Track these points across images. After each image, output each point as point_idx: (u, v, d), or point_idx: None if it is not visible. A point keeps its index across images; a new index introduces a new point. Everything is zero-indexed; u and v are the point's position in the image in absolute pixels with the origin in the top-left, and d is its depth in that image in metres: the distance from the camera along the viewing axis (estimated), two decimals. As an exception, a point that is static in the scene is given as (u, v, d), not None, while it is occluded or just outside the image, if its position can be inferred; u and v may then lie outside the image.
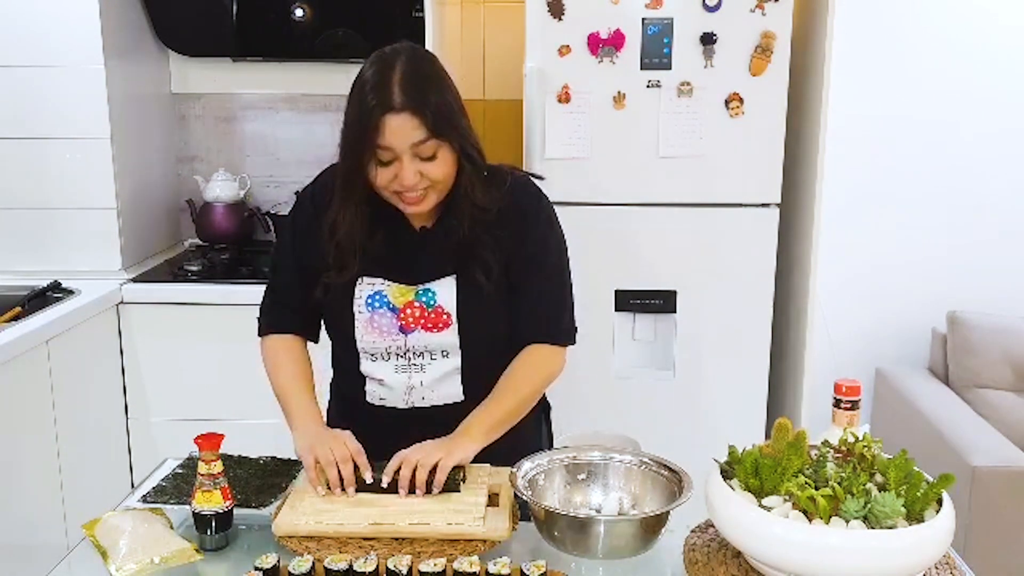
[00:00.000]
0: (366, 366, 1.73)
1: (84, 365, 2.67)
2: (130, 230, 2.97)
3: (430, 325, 1.68)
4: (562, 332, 1.77)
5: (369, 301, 1.69)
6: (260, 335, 1.81)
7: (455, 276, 1.68)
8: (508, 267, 1.70)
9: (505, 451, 1.64)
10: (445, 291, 1.68)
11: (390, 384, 1.72)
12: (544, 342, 1.74)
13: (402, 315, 1.68)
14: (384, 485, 1.54)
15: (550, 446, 1.94)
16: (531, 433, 1.86)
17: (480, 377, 1.72)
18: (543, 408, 1.93)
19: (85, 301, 2.66)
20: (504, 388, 1.69)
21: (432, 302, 1.68)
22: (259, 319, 1.82)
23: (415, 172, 1.57)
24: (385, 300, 1.68)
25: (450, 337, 1.68)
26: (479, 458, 1.63)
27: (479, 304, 1.68)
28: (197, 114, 3.34)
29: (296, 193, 1.86)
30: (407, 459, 1.55)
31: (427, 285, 1.68)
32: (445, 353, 1.70)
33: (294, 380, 1.73)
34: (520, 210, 1.71)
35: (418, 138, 1.55)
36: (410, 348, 1.69)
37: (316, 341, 1.83)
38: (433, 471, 1.54)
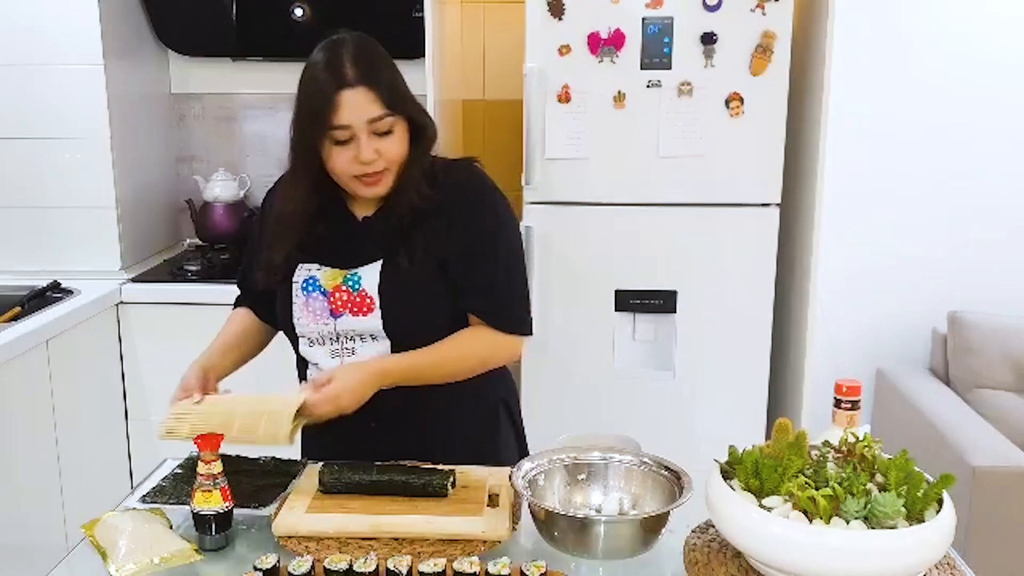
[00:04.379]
0: (305, 350, 1.75)
1: (84, 365, 2.67)
2: (129, 230, 2.97)
3: (355, 309, 1.69)
4: (513, 320, 1.75)
5: (304, 285, 1.71)
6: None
7: (381, 261, 1.69)
8: (449, 257, 1.69)
9: (459, 450, 1.69)
10: (370, 276, 1.69)
11: (325, 368, 1.73)
12: (493, 327, 1.72)
13: (332, 299, 1.69)
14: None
15: (519, 445, 1.93)
16: (486, 433, 1.85)
17: None
18: (503, 408, 1.89)
19: (84, 301, 2.66)
20: (439, 347, 1.68)
21: (357, 286, 1.69)
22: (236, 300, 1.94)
23: (373, 149, 1.60)
24: (317, 284, 1.71)
25: (374, 321, 1.69)
26: (435, 460, 1.64)
27: (402, 288, 1.68)
28: (197, 114, 3.34)
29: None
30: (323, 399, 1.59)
31: (356, 270, 1.70)
32: (373, 337, 1.70)
33: (217, 337, 1.84)
34: (462, 202, 1.71)
35: (375, 113, 1.58)
36: (340, 332, 1.71)
37: (276, 326, 1.86)
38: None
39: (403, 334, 1.69)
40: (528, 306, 1.79)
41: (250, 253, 1.88)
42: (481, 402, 1.83)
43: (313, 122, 1.60)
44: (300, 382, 1.81)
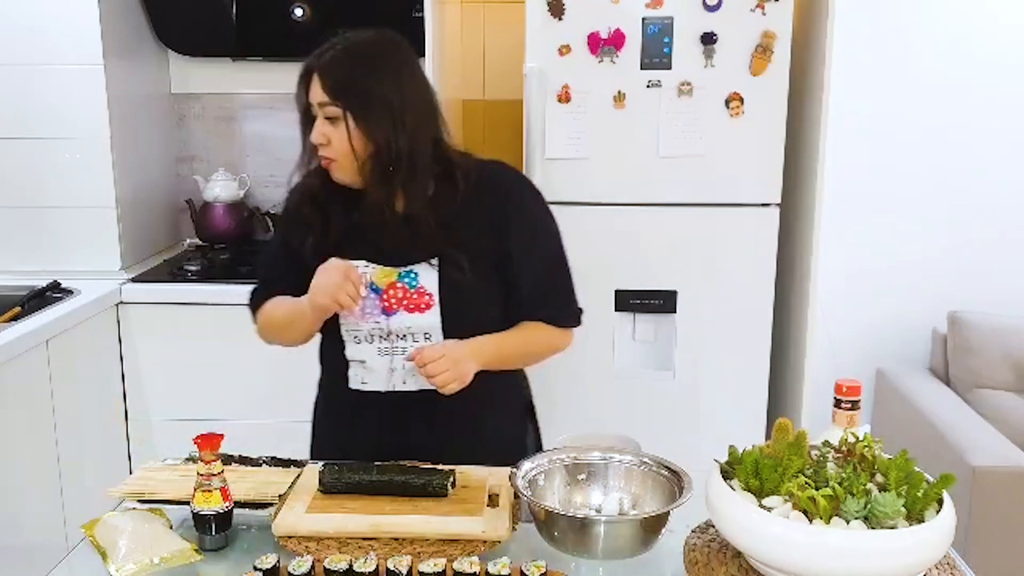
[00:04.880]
0: (350, 349, 1.73)
1: (83, 365, 2.67)
2: (129, 230, 2.97)
3: (412, 306, 1.68)
4: (570, 316, 1.82)
5: None
6: (254, 316, 1.83)
7: (438, 258, 1.69)
8: (504, 253, 1.71)
9: (493, 452, 1.67)
10: (427, 273, 1.68)
11: (372, 366, 1.72)
12: (550, 324, 1.78)
13: (385, 296, 1.68)
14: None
15: (538, 448, 1.94)
16: (517, 433, 1.88)
17: None
18: (527, 409, 1.92)
19: (84, 301, 2.66)
20: (516, 333, 1.73)
21: (414, 283, 1.68)
22: (250, 304, 1.84)
23: (322, 133, 1.64)
24: (370, 281, 1.69)
25: (432, 319, 1.68)
26: (472, 461, 1.64)
27: (461, 285, 1.68)
28: (197, 114, 3.34)
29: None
30: (433, 366, 1.60)
31: (410, 267, 1.69)
32: (427, 336, 1.70)
33: (291, 300, 1.75)
34: (507, 197, 1.73)
35: (321, 98, 1.63)
36: (392, 330, 1.70)
37: None
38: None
39: (459, 331, 1.69)
40: (576, 298, 1.83)
41: (268, 262, 1.88)
42: (515, 403, 1.84)
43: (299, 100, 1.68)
44: (338, 379, 1.76)
